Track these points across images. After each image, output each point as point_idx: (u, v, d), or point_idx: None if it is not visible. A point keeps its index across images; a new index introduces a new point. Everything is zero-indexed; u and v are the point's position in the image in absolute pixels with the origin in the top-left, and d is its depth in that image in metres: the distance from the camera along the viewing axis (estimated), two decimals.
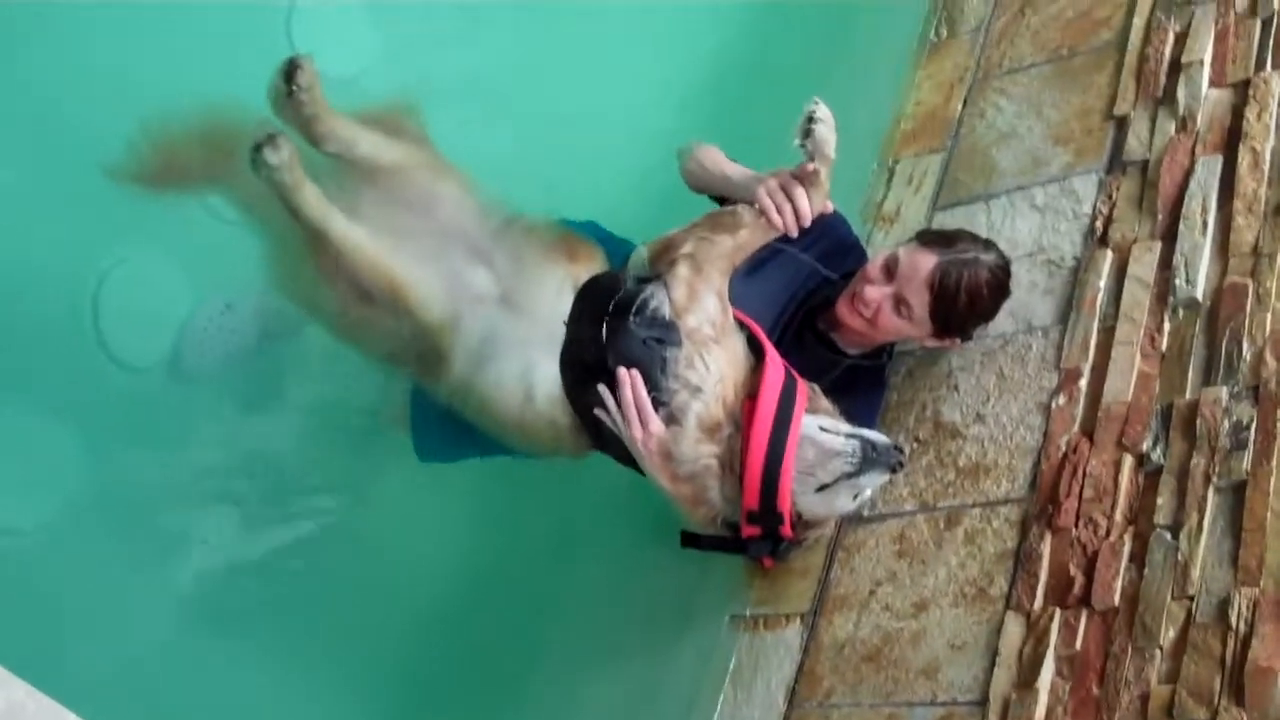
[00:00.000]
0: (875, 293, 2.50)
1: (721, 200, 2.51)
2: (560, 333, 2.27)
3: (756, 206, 2.27)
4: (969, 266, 2.48)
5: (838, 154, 2.23)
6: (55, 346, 2.69)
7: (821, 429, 2.22)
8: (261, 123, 2.10)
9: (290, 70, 2.14)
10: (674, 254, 2.28)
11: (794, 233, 2.29)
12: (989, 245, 2.55)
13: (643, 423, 2.20)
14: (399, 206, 2.27)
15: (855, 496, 2.29)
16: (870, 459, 2.20)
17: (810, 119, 2.20)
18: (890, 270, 2.50)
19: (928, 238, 2.55)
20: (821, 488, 2.23)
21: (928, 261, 2.47)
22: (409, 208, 2.28)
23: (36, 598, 2.53)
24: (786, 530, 2.24)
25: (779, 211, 2.25)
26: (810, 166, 2.22)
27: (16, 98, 2.69)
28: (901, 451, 2.25)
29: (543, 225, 2.36)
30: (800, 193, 2.24)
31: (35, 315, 2.67)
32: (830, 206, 2.32)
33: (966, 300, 2.49)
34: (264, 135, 2.05)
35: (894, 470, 2.25)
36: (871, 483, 2.26)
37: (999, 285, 2.53)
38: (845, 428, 2.25)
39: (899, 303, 2.49)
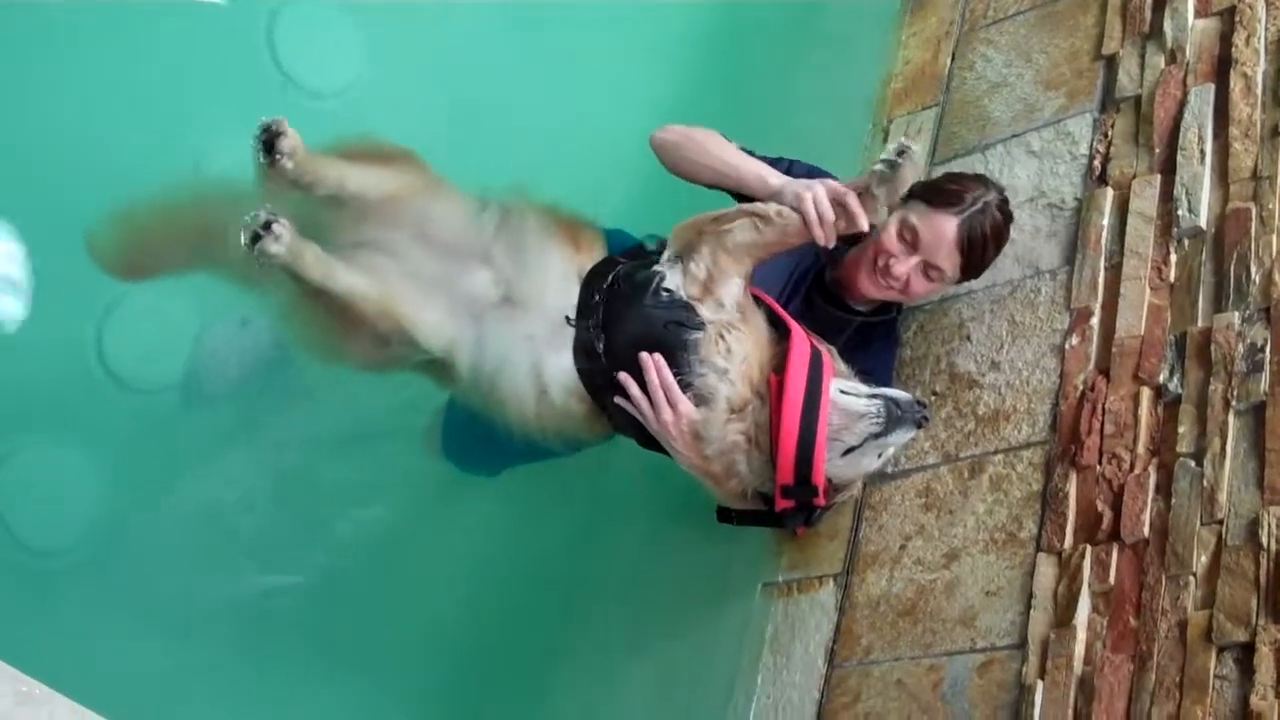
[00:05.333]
0: (903, 266, 2.50)
1: (713, 189, 2.49)
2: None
3: (795, 212, 2.24)
4: (985, 214, 2.50)
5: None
6: (65, 375, 2.71)
7: (843, 392, 2.22)
8: (252, 210, 1.99)
9: (270, 139, 2.07)
10: (699, 237, 2.26)
11: (831, 244, 2.27)
12: (986, 182, 2.58)
13: (671, 405, 2.20)
14: (395, 233, 2.27)
15: (880, 454, 2.29)
16: (895, 417, 2.21)
17: (901, 153, 2.18)
18: (909, 240, 2.50)
19: (933, 197, 2.52)
20: (848, 451, 2.23)
21: (949, 225, 2.47)
22: (405, 233, 2.27)
23: (68, 617, 2.56)
24: (820, 501, 2.25)
25: (821, 224, 2.22)
26: (872, 189, 2.21)
27: None
28: (925, 406, 2.26)
29: (543, 209, 2.36)
30: (854, 202, 2.22)
31: (42, 350, 2.69)
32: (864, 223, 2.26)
33: (994, 248, 2.54)
34: (260, 224, 1.96)
35: (919, 426, 2.25)
36: (898, 440, 2.26)
37: (1009, 217, 2.57)
38: (865, 389, 2.25)
39: (928, 269, 2.51)
